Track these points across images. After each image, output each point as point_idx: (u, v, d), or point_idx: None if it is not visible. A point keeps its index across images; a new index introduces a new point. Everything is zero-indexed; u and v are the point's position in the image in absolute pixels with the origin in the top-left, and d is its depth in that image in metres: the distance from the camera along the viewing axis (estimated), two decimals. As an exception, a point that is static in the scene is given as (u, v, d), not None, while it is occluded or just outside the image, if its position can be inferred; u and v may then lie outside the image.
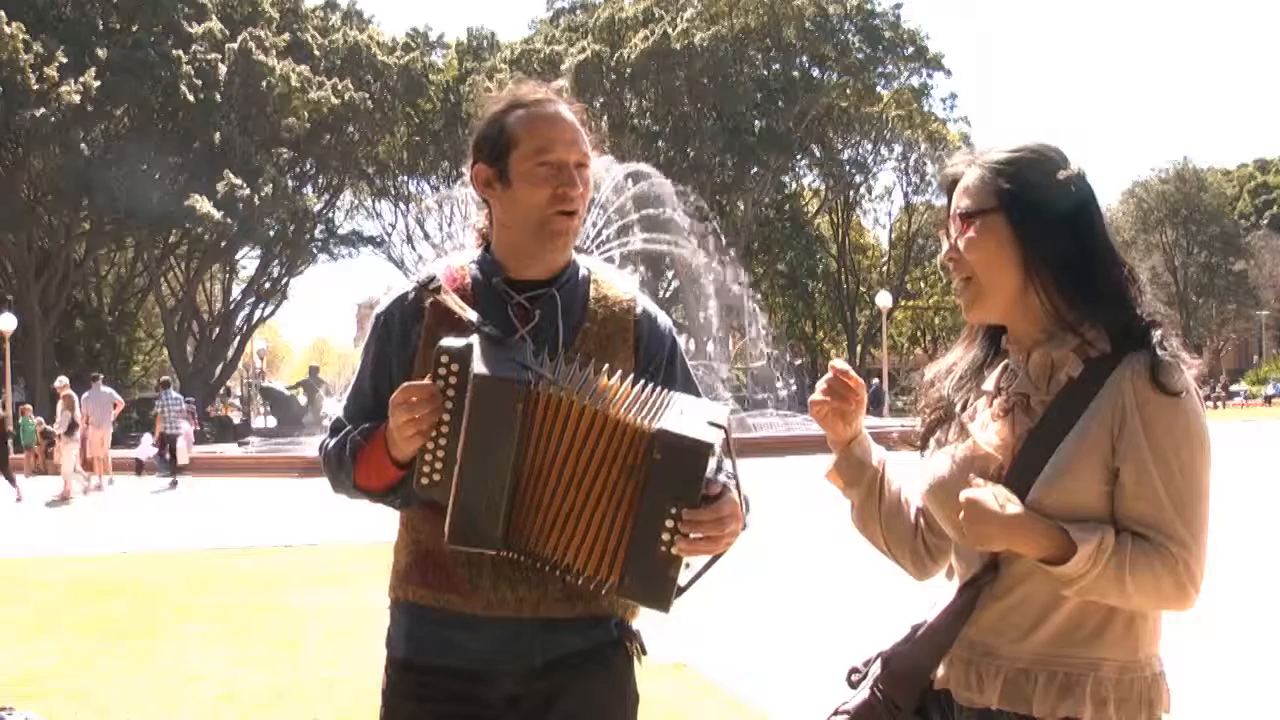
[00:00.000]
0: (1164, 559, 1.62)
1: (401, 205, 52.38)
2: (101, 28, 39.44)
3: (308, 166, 46.94)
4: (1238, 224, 66.53)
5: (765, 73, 48.99)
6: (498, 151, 2.02)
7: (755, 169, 48.20)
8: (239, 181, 37.44)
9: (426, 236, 51.32)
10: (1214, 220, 63.59)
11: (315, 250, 49.61)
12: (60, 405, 19.27)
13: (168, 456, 21.74)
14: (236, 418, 49.67)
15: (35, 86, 34.06)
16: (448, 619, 1.98)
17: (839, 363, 1.95)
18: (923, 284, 58.51)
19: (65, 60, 35.00)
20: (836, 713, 1.80)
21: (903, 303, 55.02)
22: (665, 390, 1.88)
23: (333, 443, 2.05)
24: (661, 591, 1.81)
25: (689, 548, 1.79)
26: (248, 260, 49.23)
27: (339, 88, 42.26)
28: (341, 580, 8.64)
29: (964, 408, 1.85)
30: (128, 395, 42.21)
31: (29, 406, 28.60)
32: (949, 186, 1.83)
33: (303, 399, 33.93)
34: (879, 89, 50.90)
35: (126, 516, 15.39)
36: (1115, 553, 1.61)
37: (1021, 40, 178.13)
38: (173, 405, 21.27)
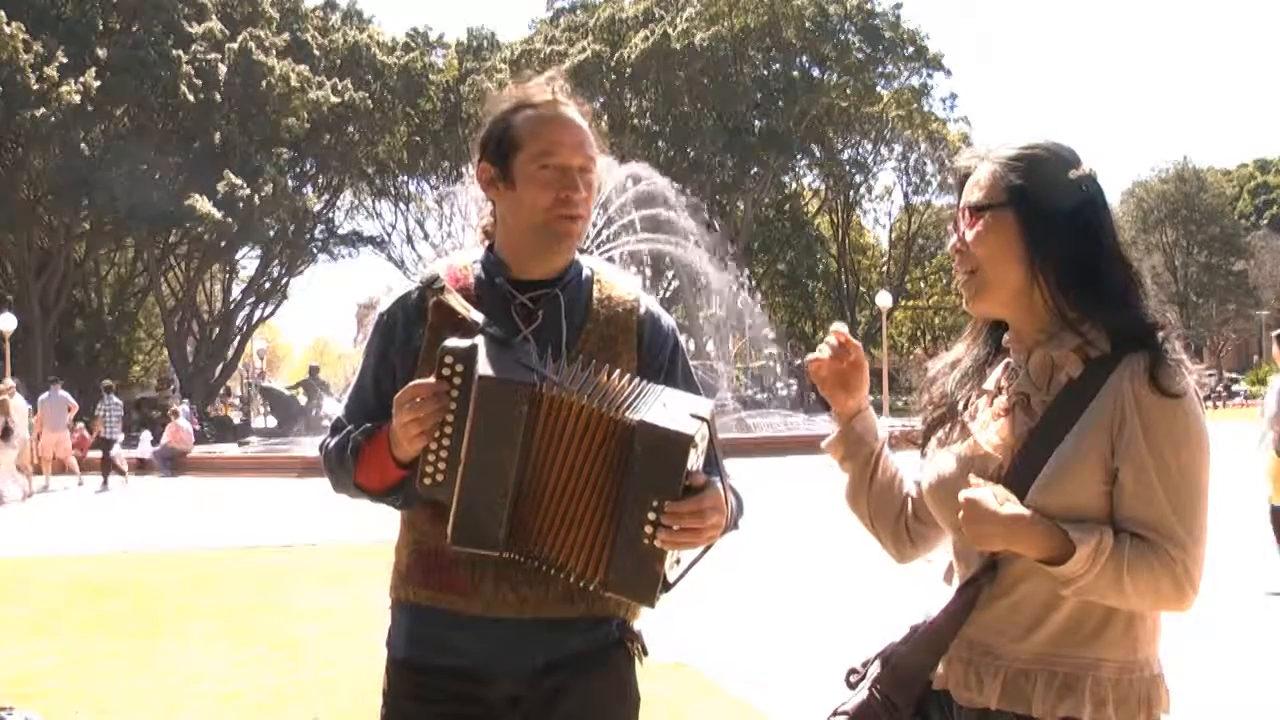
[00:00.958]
0: (1162, 560, 1.62)
1: (401, 205, 52.38)
2: (101, 28, 39.41)
3: (308, 166, 46.90)
4: (1238, 224, 66.55)
5: (765, 73, 48.97)
6: (503, 152, 2.02)
7: (755, 169, 48.17)
8: (239, 181, 37.41)
9: (426, 236, 51.38)
10: (1214, 220, 63.59)
11: (315, 250, 49.58)
12: None
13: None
14: (236, 418, 49.61)
15: (35, 86, 34.01)
16: (449, 619, 1.98)
17: (839, 325, 1.97)
18: (923, 284, 58.51)
19: (65, 60, 34.95)
20: (835, 713, 1.80)
21: (903, 303, 55.00)
22: (647, 383, 1.87)
23: (333, 442, 2.05)
24: (646, 586, 1.81)
25: (671, 540, 1.78)
26: (248, 260, 49.21)
27: (339, 88, 42.24)
28: (341, 580, 8.64)
29: (965, 406, 1.85)
30: (127, 395, 42.20)
31: (29, 407, 28.56)
32: (960, 181, 1.84)
33: (303, 399, 33.93)
34: (879, 89, 50.86)
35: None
36: (1114, 553, 1.61)
37: (1021, 40, 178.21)
38: (113, 410, 21.48)
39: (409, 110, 47.93)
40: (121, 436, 22.27)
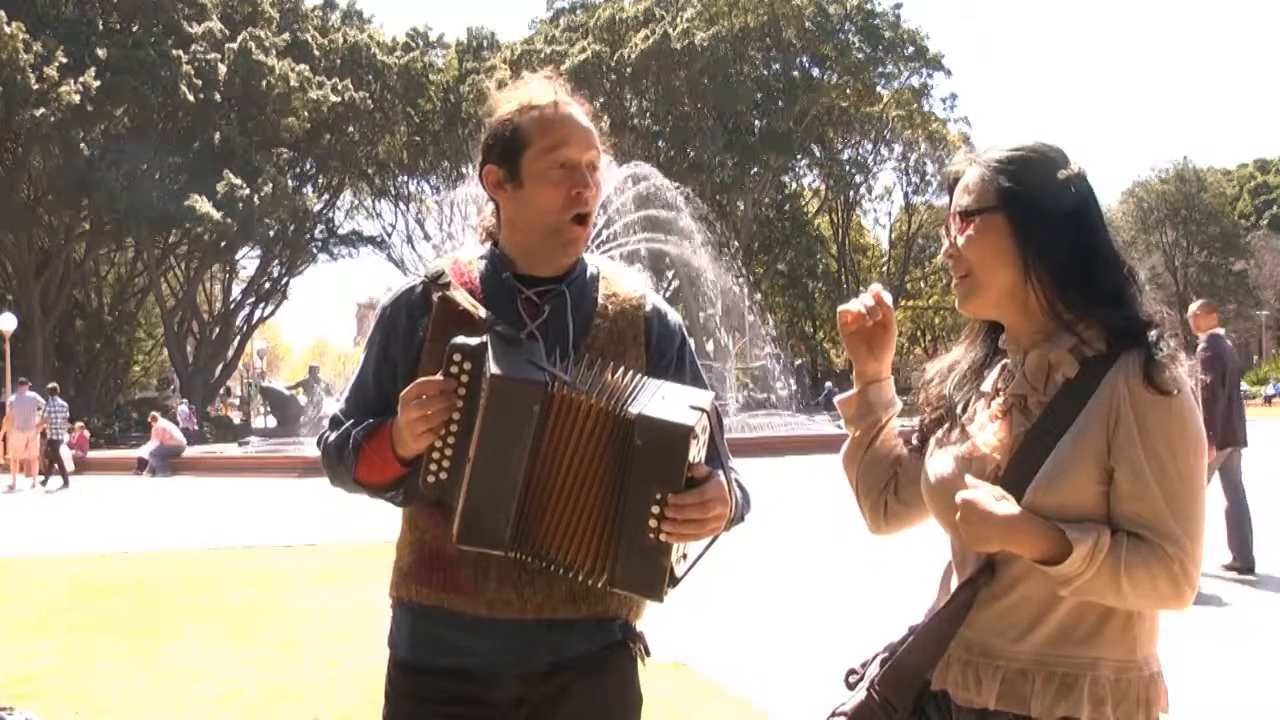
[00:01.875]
0: (1160, 559, 1.62)
1: (401, 205, 52.40)
2: (101, 28, 39.41)
3: (308, 166, 46.91)
4: (1238, 224, 66.56)
5: (765, 73, 48.96)
6: (510, 152, 2.00)
7: (755, 169, 48.20)
8: (239, 181, 37.42)
9: (426, 236, 51.38)
10: (1214, 220, 63.63)
11: (315, 250, 49.60)
12: None
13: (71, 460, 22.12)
14: (236, 418, 49.65)
15: (35, 86, 34.02)
16: (451, 620, 1.97)
17: (878, 286, 1.99)
18: (923, 284, 58.54)
19: (65, 60, 34.95)
20: (834, 714, 1.80)
21: (903, 303, 54.98)
22: (645, 377, 1.86)
23: (333, 436, 2.03)
24: (653, 580, 1.79)
25: (676, 533, 1.77)
26: (248, 260, 49.25)
27: (339, 87, 42.26)
28: (341, 580, 8.64)
29: (964, 408, 1.86)
30: (127, 395, 42.09)
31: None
32: (950, 185, 1.84)
33: (303, 399, 33.94)
34: (879, 89, 50.88)
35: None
36: (1111, 553, 1.61)
37: (1021, 40, 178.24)
38: (58, 412, 21.61)
39: (409, 110, 47.93)
40: (67, 437, 22.55)
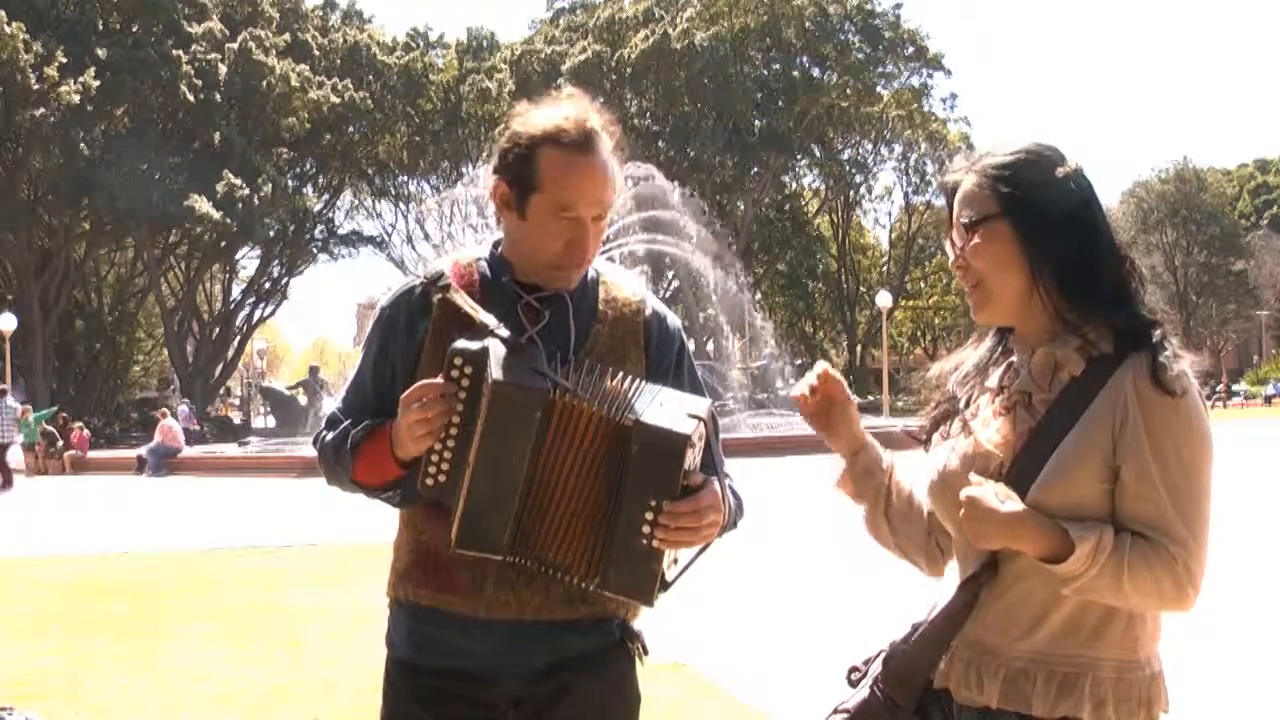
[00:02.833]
0: (1163, 559, 1.62)
1: (401, 205, 52.40)
2: (101, 28, 39.40)
3: (308, 166, 46.94)
4: (1238, 224, 66.53)
5: (765, 73, 48.97)
6: (522, 185, 1.96)
7: (755, 169, 48.19)
8: (239, 181, 37.43)
9: (426, 236, 51.36)
10: (1214, 220, 63.57)
11: (315, 250, 49.61)
12: None
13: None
14: (236, 418, 49.66)
15: (35, 86, 34.03)
16: (449, 620, 1.97)
17: (823, 364, 1.96)
18: (923, 284, 58.54)
19: (65, 60, 34.96)
20: (836, 711, 1.80)
21: (903, 303, 55.02)
22: (644, 383, 1.86)
23: (330, 436, 2.03)
24: (645, 586, 1.81)
25: (669, 540, 1.78)
26: (248, 260, 49.28)
27: (339, 87, 42.26)
28: (341, 580, 8.63)
29: (968, 404, 1.86)
30: (127, 395, 42.11)
31: (29, 407, 28.58)
32: (949, 193, 1.84)
33: (303, 399, 33.92)
34: (879, 89, 50.87)
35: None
36: (1114, 552, 1.61)
37: (1021, 40, 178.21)
38: (7, 414, 21.48)
39: (409, 110, 47.94)
40: (17, 440, 22.39)
